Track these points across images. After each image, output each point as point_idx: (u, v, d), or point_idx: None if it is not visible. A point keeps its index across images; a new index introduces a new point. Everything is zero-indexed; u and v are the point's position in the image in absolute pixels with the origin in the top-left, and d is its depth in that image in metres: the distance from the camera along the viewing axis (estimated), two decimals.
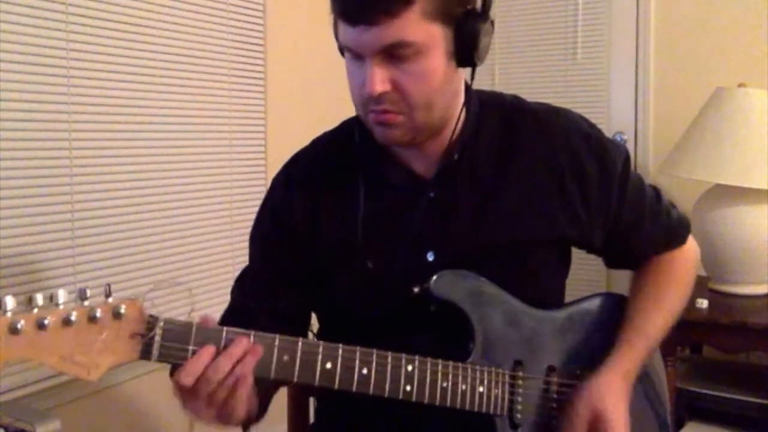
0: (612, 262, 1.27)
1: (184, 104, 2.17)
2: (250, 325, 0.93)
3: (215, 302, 2.28)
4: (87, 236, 1.90)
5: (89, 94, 1.89)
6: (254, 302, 1.13)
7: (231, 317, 1.13)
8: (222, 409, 0.91)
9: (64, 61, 1.82)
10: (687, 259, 1.25)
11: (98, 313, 0.83)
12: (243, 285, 1.18)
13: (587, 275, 2.55)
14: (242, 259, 2.41)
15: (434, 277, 1.04)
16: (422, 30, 0.95)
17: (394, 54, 0.95)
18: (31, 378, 1.75)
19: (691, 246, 1.27)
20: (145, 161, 2.06)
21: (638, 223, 1.19)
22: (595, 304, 1.19)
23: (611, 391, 1.07)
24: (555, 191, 1.10)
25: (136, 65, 2.01)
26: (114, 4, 1.94)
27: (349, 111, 1.11)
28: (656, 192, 1.23)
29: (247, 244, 1.22)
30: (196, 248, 2.24)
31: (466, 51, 0.99)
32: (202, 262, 2.26)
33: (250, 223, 1.20)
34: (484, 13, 0.99)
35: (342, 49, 1.03)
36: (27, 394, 1.74)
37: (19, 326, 0.78)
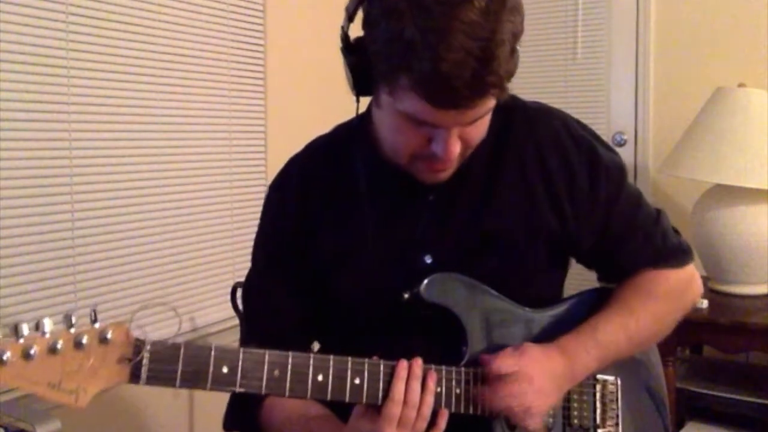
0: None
1: (184, 104, 2.17)
2: (269, 344, 0.92)
3: (216, 302, 2.28)
4: (87, 236, 1.89)
5: (89, 94, 1.89)
6: (267, 320, 1.12)
7: (251, 339, 1.12)
8: None
9: (64, 61, 1.82)
10: (676, 282, 1.16)
11: (84, 340, 0.82)
12: (253, 304, 1.18)
13: (586, 277, 2.55)
14: (243, 258, 2.43)
15: (424, 282, 1.03)
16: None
17: None
18: None
19: (688, 273, 1.18)
20: (145, 161, 2.05)
21: (628, 236, 1.15)
22: (585, 299, 1.18)
23: (537, 356, 1.03)
24: (543, 189, 1.10)
25: (136, 65, 2.01)
26: (114, 4, 1.94)
27: (350, 112, 1.11)
28: (657, 212, 1.18)
29: (247, 244, 1.21)
30: (197, 247, 2.23)
31: None
32: (203, 261, 2.26)
33: (251, 222, 1.20)
34: None
35: (380, 101, 0.98)
36: (27, 394, 1.73)
37: (5, 357, 0.78)
